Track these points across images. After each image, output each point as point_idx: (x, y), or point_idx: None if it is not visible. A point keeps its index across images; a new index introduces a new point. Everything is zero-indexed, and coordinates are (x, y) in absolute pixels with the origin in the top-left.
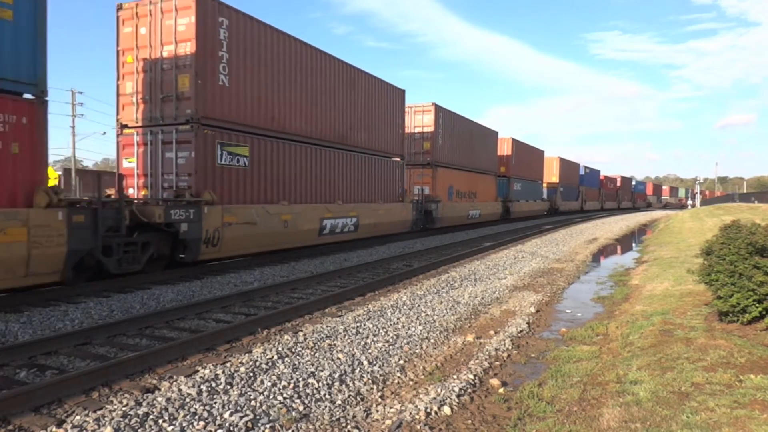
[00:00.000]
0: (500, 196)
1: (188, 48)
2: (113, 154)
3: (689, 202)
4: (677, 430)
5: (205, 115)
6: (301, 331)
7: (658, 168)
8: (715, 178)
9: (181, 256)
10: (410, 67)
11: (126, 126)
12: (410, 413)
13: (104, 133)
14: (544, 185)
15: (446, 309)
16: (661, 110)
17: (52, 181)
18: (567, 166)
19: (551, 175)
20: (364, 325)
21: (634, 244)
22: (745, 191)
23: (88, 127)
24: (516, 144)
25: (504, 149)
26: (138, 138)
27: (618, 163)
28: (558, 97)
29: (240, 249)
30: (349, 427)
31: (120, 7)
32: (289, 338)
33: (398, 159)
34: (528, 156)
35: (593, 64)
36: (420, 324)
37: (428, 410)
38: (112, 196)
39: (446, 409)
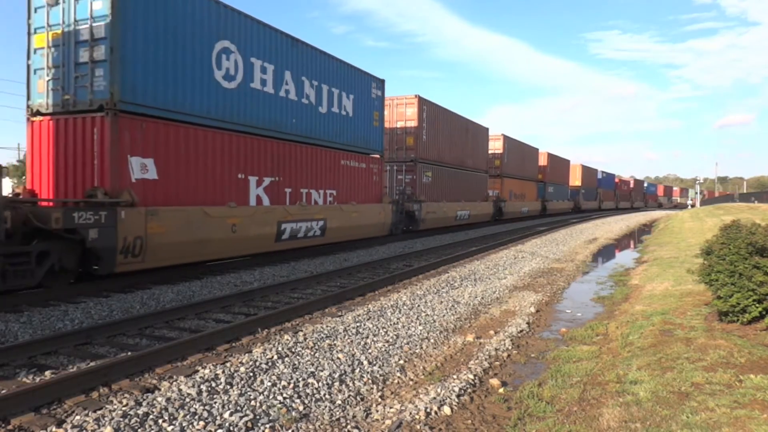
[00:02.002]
0: (539, 197)
1: (412, 123)
2: None
3: (688, 201)
4: (677, 430)
5: (419, 156)
6: (301, 331)
7: (658, 168)
8: (715, 178)
9: (410, 227)
10: (409, 67)
11: None
12: (410, 413)
13: None
14: (569, 188)
15: (446, 309)
16: (660, 110)
17: None
18: (587, 172)
19: (575, 179)
20: (364, 325)
21: (634, 244)
22: (745, 191)
23: None
24: (550, 156)
25: (542, 161)
26: (386, 168)
27: (617, 162)
28: (557, 97)
29: (429, 225)
30: (349, 427)
31: None
32: (289, 338)
33: (484, 173)
34: (558, 165)
35: (593, 64)
36: (420, 324)
37: (428, 410)
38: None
39: (446, 409)
